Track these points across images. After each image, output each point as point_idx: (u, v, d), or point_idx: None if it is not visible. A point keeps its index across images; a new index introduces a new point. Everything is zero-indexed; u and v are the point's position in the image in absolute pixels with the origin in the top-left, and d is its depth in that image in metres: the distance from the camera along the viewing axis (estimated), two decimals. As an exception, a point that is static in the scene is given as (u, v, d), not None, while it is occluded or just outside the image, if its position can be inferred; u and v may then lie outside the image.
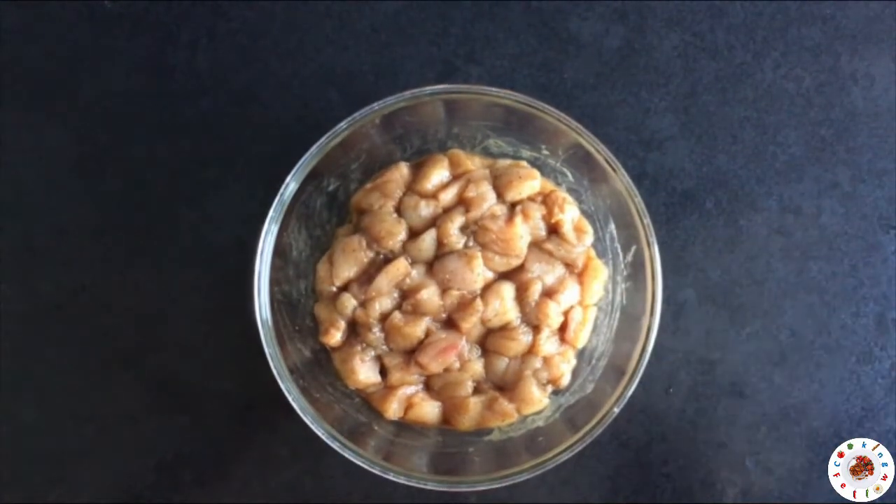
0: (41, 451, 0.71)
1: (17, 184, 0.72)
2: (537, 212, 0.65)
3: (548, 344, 0.64)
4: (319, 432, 0.60)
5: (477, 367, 0.64)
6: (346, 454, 0.60)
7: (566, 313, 0.65)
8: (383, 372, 0.65)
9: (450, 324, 0.64)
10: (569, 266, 0.65)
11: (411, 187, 0.65)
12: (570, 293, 0.64)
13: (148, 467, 0.71)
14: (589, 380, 0.65)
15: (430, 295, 0.63)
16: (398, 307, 0.64)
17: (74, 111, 0.72)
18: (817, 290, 0.72)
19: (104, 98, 0.72)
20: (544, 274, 0.64)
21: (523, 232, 0.64)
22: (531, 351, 0.64)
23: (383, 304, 0.63)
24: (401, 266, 0.63)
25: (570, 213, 0.65)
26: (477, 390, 0.65)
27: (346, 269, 0.64)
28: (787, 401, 0.71)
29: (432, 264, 0.64)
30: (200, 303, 0.71)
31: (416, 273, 0.64)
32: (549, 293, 0.64)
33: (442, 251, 0.64)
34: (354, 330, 0.64)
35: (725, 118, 0.73)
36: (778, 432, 0.71)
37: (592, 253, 0.66)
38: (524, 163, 0.67)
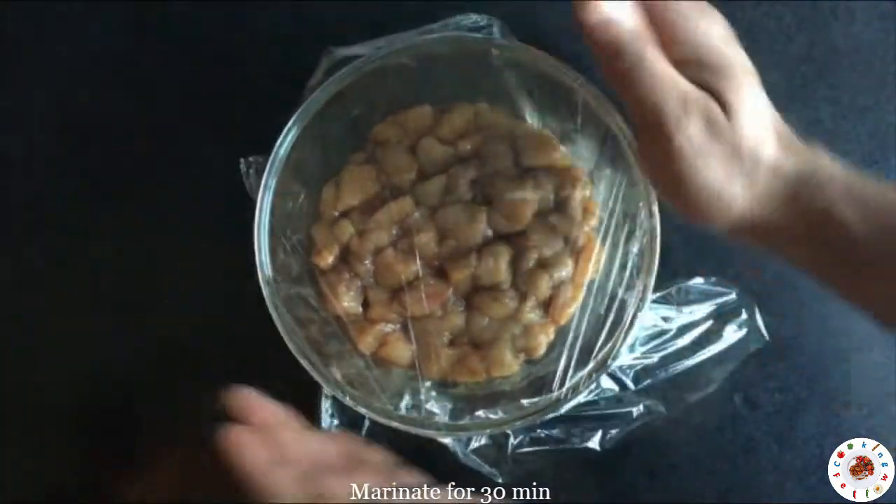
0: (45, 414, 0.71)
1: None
2: (549, 183, 0.65)
3: (531, 313, 0.65)
4: (291, 347, 0.61)
5: (458, 320, 0.65)
6: (314, 375, 0.61)
7: (555, 288, 0.65)
8: (366, 304, 0.65)
9: (440, 272, 0.64)
10: (568, 242, 0.65)
11: (432, 130, 0.65)
12: (563, 269, 0.65)
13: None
14: (563, 356, 0.66)
15: (427, 240, 0.64)
16: (394, 244, 0.64)
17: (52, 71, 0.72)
18: (800, 228, 0.72)
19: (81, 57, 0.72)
20: (543, 245, 0.64)
21: (531, 199, 0.64)
22: (514, 316, 0.65)
23: (380, 238, 0.64)
24: (406, 205, 0.63)
25: (580, 192, 0.65)
26: (452, 343, 0.65)
27: (351, 197, 0.64)
28: (772, 339, 0.69)
29: (436, 210, 0.64)
30: (196, 262, 0.70)
31: (419, 215, 0.64)
32: (543, 264, 0.64)
33: (448, 199, 0.64)
34: (346, 258, 0.65)
35: None
36: (764, 370, 0.71)
37: (594, 235, 0.66)
38: (548, 132, 0.67)
